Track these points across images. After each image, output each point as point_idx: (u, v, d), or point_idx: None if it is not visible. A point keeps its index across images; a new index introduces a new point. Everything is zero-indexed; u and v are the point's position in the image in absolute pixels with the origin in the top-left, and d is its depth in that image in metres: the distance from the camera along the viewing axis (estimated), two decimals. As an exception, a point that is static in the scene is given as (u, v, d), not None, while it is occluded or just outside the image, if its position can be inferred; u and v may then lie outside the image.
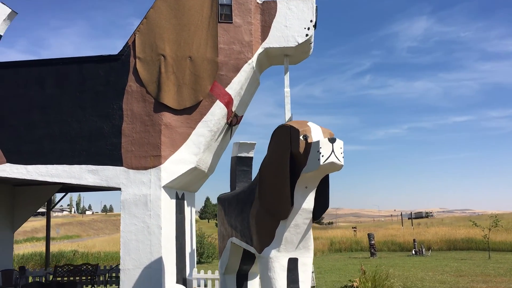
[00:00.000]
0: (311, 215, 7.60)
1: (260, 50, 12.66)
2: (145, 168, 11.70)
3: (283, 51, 12.90)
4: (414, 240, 35.91)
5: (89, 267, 14.70)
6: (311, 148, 7.09)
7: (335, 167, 6.97)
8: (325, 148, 6.88)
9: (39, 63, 12.40)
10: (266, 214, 7.84)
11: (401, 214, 67.20)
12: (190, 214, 14.45)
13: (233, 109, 12.77)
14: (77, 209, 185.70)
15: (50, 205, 17.21)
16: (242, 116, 14.28)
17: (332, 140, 6.92)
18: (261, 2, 12.83)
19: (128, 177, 11.72)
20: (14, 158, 12.07)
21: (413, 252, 34.43)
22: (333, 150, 6.90)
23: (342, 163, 6.97)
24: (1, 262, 14.77)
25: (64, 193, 17.30)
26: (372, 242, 33.61)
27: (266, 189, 7.77)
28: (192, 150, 12.05)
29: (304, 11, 12.70)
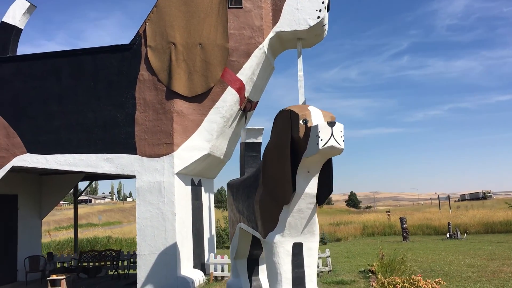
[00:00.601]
0: (314, 200, 7.53)
1: (271, 34, 12.54)
2: (158, 156, 11.86)
3: (295, 34, 12.73)
4: (448, 223, 35.18)
5: (112, 252, 15.14)
6: (311, 132, 7.01)
7: (335, 151, 6.86)
8: (324, 132, 6.79)
9: (55, 55, 12.70)
10: (269, 200, 7.83)
11: (438, 197, 65.78)
12: (208, 200, 14.60)
13: (246, 94, 12.74)
14: (118, 196, 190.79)
15: (77, 193, 17.76)
16: (258, 101, 14.23)
17: (331, 124, 6.82)
18: (271, -14, 12.66)
19: (142, 164, 11.92)
20: (33, 148, 12.47)
21: (448, 236, 33.72)
22: (332, 134, 6.80)
23: (342, 147, 6.86)
24: (30, 249, 15.41)
25: (89, 181, 17.81)
26: (404, 226, 33.09)
27: (269, 174, 7.75)
28: (205, 137, 12.12)
29: (316, -8, 12.45)
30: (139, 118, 12.06)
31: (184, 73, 12.01)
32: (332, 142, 6.79)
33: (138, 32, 12.36)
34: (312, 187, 7.47)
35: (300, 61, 13.10)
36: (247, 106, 13.27)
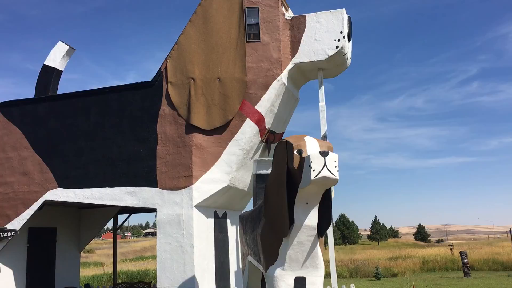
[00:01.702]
0: (315, 232, 7.34)
1: (290, 66, 12.57)
2: (178, 189, 12.04)
3: (314, 65, 12.70)
4: (515, 258, 32.81)
5: (144, 285, 15.35)
6: (304, 162, 6.92)
7: (328, 181, 6.71)
8: (316, 162, 6.66)
9: (85, 93, 13.40)
10: (271, 232, 7.73)
11: (510, 230, 61.34)
12: (236, 232, 14.52)
13: (267, 126, 12.75)
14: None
15: (116, 226, 18.31)
16: (283, 133, 14.18)
17: (324, 154, 6.68)
18: (289, 18, 12.78)
19: (163, 197, 12.13)
20: (64, 183, 13.07)
21: (515, 272, 31.37)
22: (325, 164, 6.65)
23: (337, 177, 6.68)
24: (68, 281, 15.99)
25: (128, 214, 18.33)
26: (465, 260, 31.19)
27: (269, 206, 7.68)
28: (224, 169, 12.19)
29: (334, 23, 12.43)
30: (160, 152, 12.37)
31: (202, 106, 12.25)
32: (325, 173, 6.64)
33: (160, 69, 12.80)
34: (312, 219, 7.29)
35: (321, 91, 13.00)
36: (269, 138, 13.25)
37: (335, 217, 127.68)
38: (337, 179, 6.76)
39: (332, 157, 6.72)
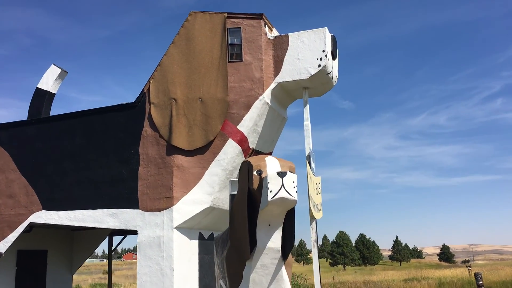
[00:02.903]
0: (279, 255, 7.14)
1: (273, 85, 12.45)
2: (159, 210, 11.92)
3: (298, 84, 12.54)
4: (534, 280, 31.55)
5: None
6: (263, 183, 6.78)
7: (286, 202, 6.57)
8: (273, 183, 6.53)
9: (69, 116, 13.47)
10: (235, 255, 7.55)
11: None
12: (224, 255, 14.28)
13: (252, 146, 12.59)
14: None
15: (111, 248, 18.23)
16: (271, 152, 13.99)
17: (281, 174, 6.54)
18: (272, 38, 12.70)
19: (144, 219, 12.02)
20: (48, 205, 13.09)
21: (533, 295, 30.14)
22: (283, 185, 6.52)
23: (295, 198, 6.53)
24: (60, 303, 15.87)
25: (123, 236, 18.21)
26: (480, 283, 30.11)
27: (233, 228, 7.52)
28: (206, 190, 12.04)
29: (316, 41, 12.30)
30: (142, 173, 12.30)
31: (184, 127, 12.18)
32: (282, 194, 6.51)
33: (142, 90, 12.81)
34: (275, 241, 7.13)
35: (306, 110, 12.80)
36: (255, 158, 13.06)
37: (354, 237, 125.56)
38: (296, 200, 6.63)
39: (291, 178, 6.58)
